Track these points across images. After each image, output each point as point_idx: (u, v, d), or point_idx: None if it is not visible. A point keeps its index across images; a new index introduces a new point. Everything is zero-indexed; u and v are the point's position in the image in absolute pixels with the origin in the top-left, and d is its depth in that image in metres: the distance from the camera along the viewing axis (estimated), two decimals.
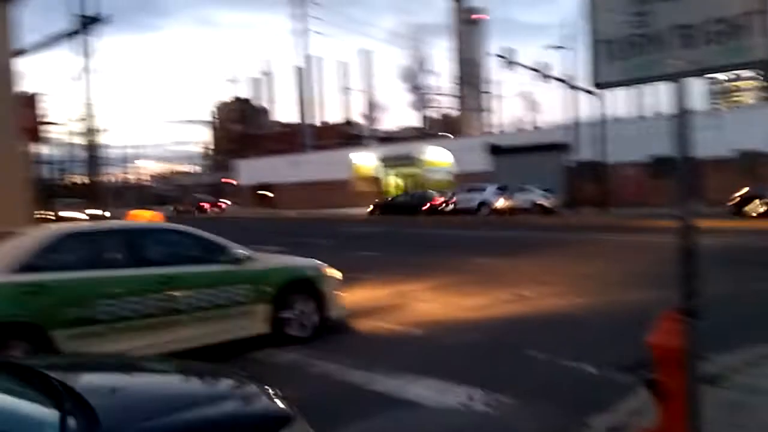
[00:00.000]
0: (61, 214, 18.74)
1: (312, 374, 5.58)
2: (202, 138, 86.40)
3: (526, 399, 4.73)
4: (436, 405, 4.69)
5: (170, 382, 2.84)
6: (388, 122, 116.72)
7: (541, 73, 33.19)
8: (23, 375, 2.48)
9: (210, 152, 78.77)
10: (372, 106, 77.23)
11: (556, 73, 34.37)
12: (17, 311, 5.10)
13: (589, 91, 27.62)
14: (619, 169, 30.37)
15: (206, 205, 49.61)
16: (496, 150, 37.59)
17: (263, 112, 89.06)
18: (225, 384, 2.88)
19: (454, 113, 75.54)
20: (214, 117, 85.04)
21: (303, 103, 67.67)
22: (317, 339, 6.69)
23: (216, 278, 6.20)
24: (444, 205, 31.37)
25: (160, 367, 3.21)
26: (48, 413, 2.06)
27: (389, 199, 36.89)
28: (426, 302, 8.73)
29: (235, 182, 57.35)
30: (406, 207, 32.50)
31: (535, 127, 54.73)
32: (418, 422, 4.52)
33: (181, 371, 3.09)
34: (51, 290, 5.24)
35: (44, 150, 17.40)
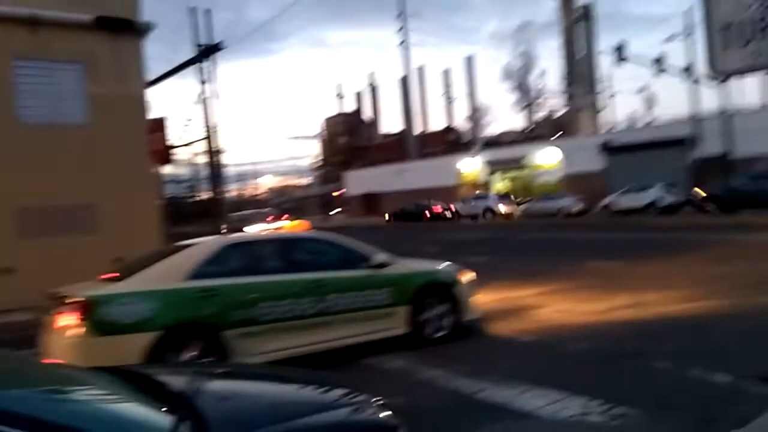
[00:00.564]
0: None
1: (421, 381, 5.55)
2: (312, 152, 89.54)
3: (649, 411, 4.41)
4: (550, 416, 4.50)
5: (279, 391, 2.92)
6: (493, 126, 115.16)
7: (658, 65, 31.21)
8: (140, 381, 2.66)
9: (320, 165, 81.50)
10: (476, 111, 76.50)
11: (674, 65, 32.24)
12: (193, 313, 5.62)
13: (714, 81, 25.57)
14: (749, 164, 27.85)
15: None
16: (610, 148, 35.84)
17: (369, 123, 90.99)
18: (333, 393, 2.93)
19: (563, 113, 72.96)
20: (323, 131, 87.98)
21: (407, 113, 68.30)
22: (450, 341, 6.80)
23: (360, 282, 6.53)
24: (444, 212, 36.36)
25: (270, 376, 3.33)
26: (162, 419, 2.21)
27: (400, 209, 40.12)
28: (540, 308, 8.46)
29: (343, 192, 59.00)
30: (413, 215, 37.50)
31: (652, 123, 51.56)
32: None
33: (290, 380, 3.19)
34: (219, 294, 5.73)
35: (174, 170, 18.94)
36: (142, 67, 12.84)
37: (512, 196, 36.59)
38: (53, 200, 11.12)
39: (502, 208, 34.44)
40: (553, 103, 70.48)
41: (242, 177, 77.53)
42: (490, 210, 35.02)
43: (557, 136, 54.76)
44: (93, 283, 5.98)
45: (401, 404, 4.85)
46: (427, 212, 37.31)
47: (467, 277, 7.47)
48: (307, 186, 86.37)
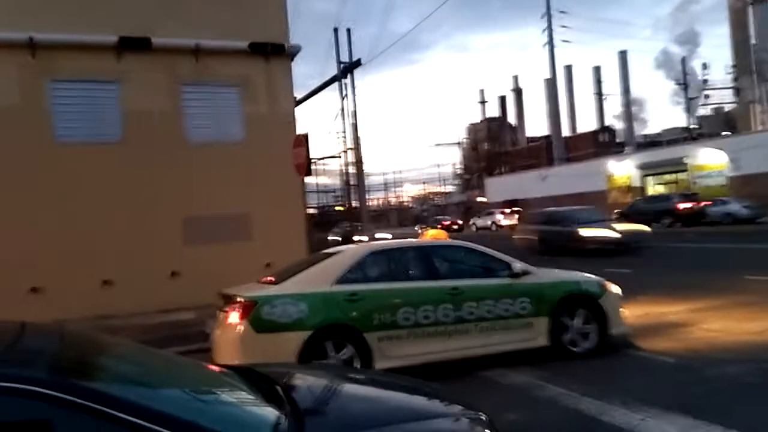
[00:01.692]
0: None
1: (543, 398, 5.44)
2: (454, 159, 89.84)
3: None
4: None
5: (381, 397, 3.10)
6: (650, 126, 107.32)
7: None
8: (254, 379, 2.98)
9: (461, 172, 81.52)
10: (630, 109, 71.97)
11: None
12: (341, 315, 6.06)
13: None
14: None
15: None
16: None
17: (512, 128, 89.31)
18: (435, 404, 3.06)
19: (732, 108, 66.10)
20: (465, 138, 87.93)
21: (554, 115, 66.10)
22: (589, 358, 6.57)
23: (498, 291, 6.56)
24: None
25: (381, 383, 3.51)
26: (268, 414, 2.48)
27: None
28: (690, 326, 7.87)
29: (485, 199, 58.46)
30: None
31: None
32: None
33: (398, 387, 3.36)
34: (363, 299, 6.13)
35: (323, 181, 20.24)
36: (291, 87, 13.84)
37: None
38: (213, 210, 12.36)
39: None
40: (720, 97, 64.06)
41: (386, 185, 79.76)
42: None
43: (724, 133, 49.76)
44: (255, 284, 6.64)
45: (512, 420, 4.86)
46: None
47: (613, 288, 7.13)
48: (449, 193, 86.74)
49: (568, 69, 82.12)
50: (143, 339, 9.13)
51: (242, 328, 5.83)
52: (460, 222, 47.59)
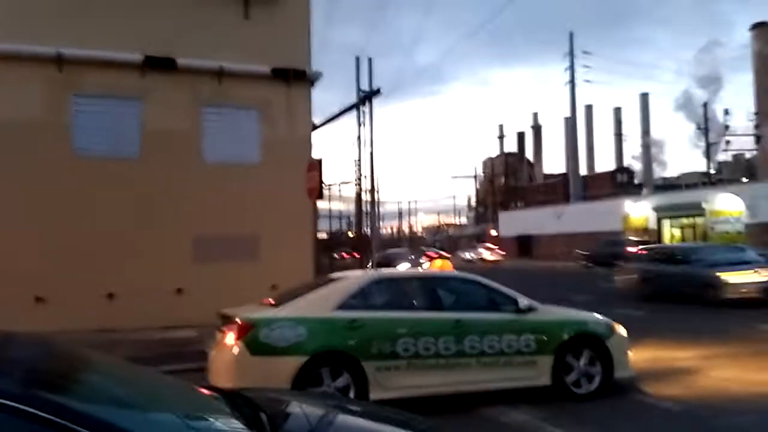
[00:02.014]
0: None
1: None
2: (470, 192, 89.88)
3: None
4: None
5: (367, 429, 3.03)
6: (669, 168, 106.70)
7: None
8: (239, 404, 2.92)
9: (475, 205, 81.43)
10: (649, 151, 71.74)
11: None
12: (339, 342, 5.96)
13: None
14: None
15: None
16: None
17: (530, 164, 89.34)
18: None
19: (752, 155, 65.61)
20: (482, 171, 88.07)
21: (572, 153, 66.08)
22: (593, 400, 6.40)
23: (501, 326, 6.43)
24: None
25: (367, 414, 3.43)
26: None
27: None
28: (699, 373, 7.65)
29: (495, 233, 58.24)
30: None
31: None
32: None
33: (384, 420, 3.29)
34: (363, 326, 6.04)
35: (336, 206, 20.19)
36: (310, 112, 14.02)
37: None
38: (224, 230, 12.43)
39: None
40: (741, 143, 63.57)
41: (400, 214, 79.87)
42: None
43: (743, 180, 49.31)
44: (255, 306, 6.58)
45: None
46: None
47: (620, 330, 6.99)
48: (463, 225, 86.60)
49: (589, 108, 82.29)
50: (142, 355, 9.11)
51: (238, 349, 5.77)
52: (447, 254, 48.08)
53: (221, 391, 3.33)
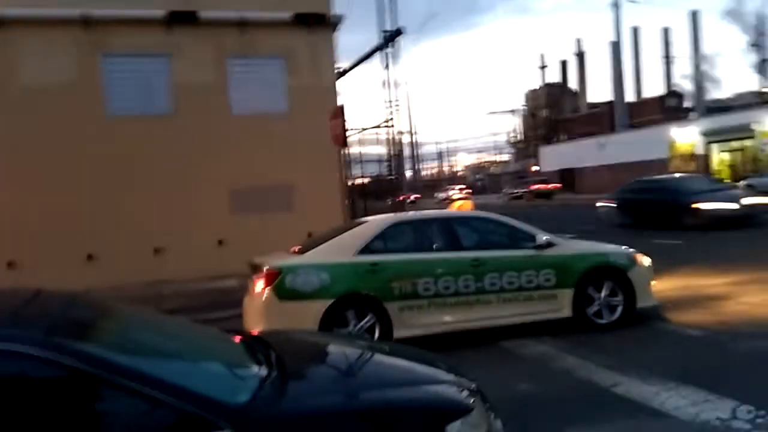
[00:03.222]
0: None
1: (558, 369, 5.48)
2: (512, 127, 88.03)
3: None
4: (688, 418, 4.18)
5: (373, 364, 3.24)
6: (724, 86, 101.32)
7: None
8: (253, 345, 3.18)
9: (517, 140, 79.81)
10: (700, 73, 68.19)
11: None
12: (362, 285, 6.23)
13: None
14: None
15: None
16: None
17: (573, 94, 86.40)
18: (420, 371, 3.17)
19: None
20: (524, 104, 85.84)
21: (617, 80, 63.43)
22: (614, 330, 6.52)
23: (520, 262, 6.56)
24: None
25: (376, 349, 3.64)
26: (257, 372, 2.69)
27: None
28: (728, 299, 7.61)
29: (538, 168, 57.27)
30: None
31: None
32: None
33: (394, 354, 3.49)
34: (384, 269, 6.28)
35: (377, 150, 20.02)
36: (333, 57, 13.93)
37: None
38: (257, 182, 12.72)
39: None
40: None
41: (440, 155, 79.20)
42: None
43: None
44: (282, 254, 6.88)
45: (522, 390, 4.93)
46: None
47: (643, 261, 7.02)
48: (505, 162, 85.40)
49: (635, 31, 78.36)
50: (188, 305, 9.67)
51: (266, 295, 6.08)
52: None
53: (241, 333, 3.61)
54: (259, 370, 2.79)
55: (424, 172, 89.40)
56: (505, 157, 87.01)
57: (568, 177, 50.69)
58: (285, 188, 12.96)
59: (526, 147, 77.76)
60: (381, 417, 2.60)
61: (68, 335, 2.45)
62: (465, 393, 2.93)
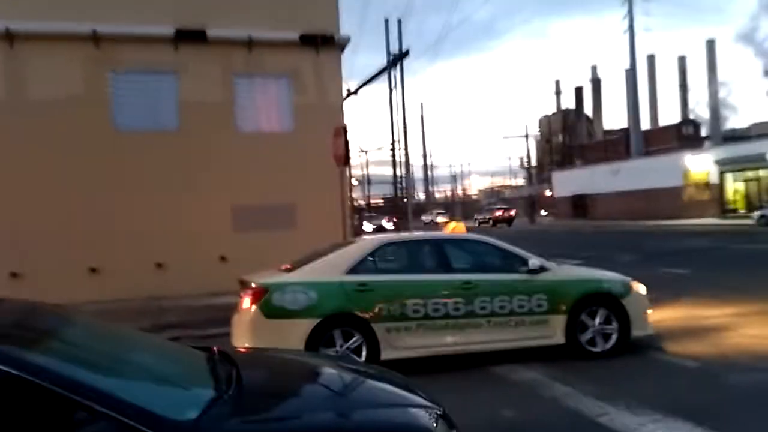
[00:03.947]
0: None
1: (545, 397, 5.31)
2: (525, 151, 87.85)
3: None
4: None
5: (338, 384, 3.15)
6: (740, 116, 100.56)
7: None
8: (217, 362, 3.10)
9: (530, 165, 79.61)
10: (717, 100, 67.85)
11: None
12: (349, 305, 6.13)
13: None
14: None
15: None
16: None
17: (589, 120, 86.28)
18: (384, 395, 3.07)
19: None
20: (538, 129, 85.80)
21: (633, 107, 63.27)
22: (607, 358, 6.37)
23: (512, 287, 6.44)
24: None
25: (335, 371, 3.54)
26: (210, 390, 2.62)
27: None
28: (728, 331, 7.43)
29: (550, 194, 56.99)
30: None
31: None
32: None
33: (352, 376, 3.40)
34: (373, 289, 6.18)
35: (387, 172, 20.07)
36: (340, 77, 14.04)
37: None
38: (261, 199, 12.75)
39: None
40: None
41: (453, 177, 79.17)
42: None
43: None
44: (271, 271, 6.80)
45: (506, 417, 4.80)
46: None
47: (639, 288, 6.87)
48: (519, 187, 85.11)
49: (651, 59, 78.39)
50: (187, 320, 9.61)
51: (253, 312, 6.01)
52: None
53: (208, 349, 3.55)
54: (214, 388, 2.72)
55: (438, 195, 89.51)
56: (520, 181, 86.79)
57: (580, 203, 50.36)
58: (288, 206, 12.97)
59: (540, 172, 77.53)
60: None
61: (12, 343, 2.41)
62: (427, 416, 2.84)
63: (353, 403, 2.91)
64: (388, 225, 38.03)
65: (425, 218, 63.24)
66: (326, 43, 13.38)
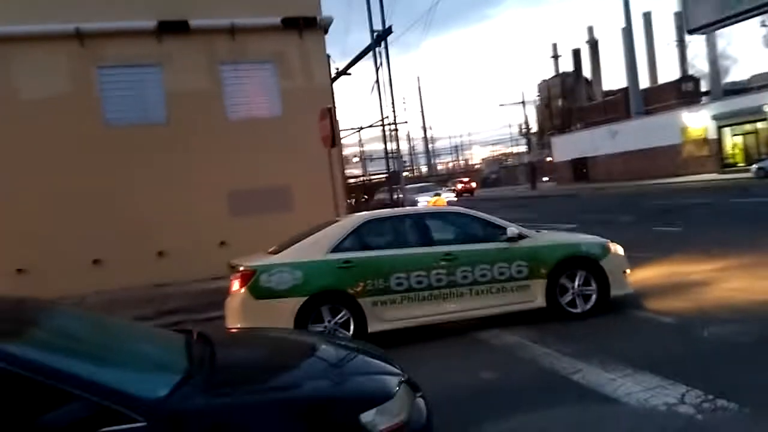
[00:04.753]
0: None
1: (523, 358, 5.55)
2: (524, 118, 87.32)
3: (753, 408, 3.95)
4: (636, 404, 4.25)
5: (295, 360, 3.38)
6: (740, 70, 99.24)
7: None
8: (193, 343, 3.34)
9: (528, 131, 79.15)
10: (714, 53, 66.91)
11: None
12: (335, 282, 6.37)
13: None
14: None
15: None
16: None
17: (588, 82, 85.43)
18: (340, 364, 3.29)
19: None
20: (537, 95, 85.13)
21: (631, 66, 62.59)
22: (587, 318, 6.62)
23: (493, 255, 6.67)
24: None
25: (308, 345, 3.77)
26: (182, 369, 2.87)
27: None
28: (709, 285, 7.61)
29: (550, 159, 56.89)
30: None
31: None
32: (599, 419, 4.19)
33: (322, 348, 3.62)
34: (357, 266, 6.42)
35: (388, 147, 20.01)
36: (325, 59, 14.09)
37: None
38: (255, 184, 12.95)
39: None
40: None
41: (456, 149, 78.92)
42: None
43: None
44: (259, 254, 7.05)
45: (484, 379, 5.05)
46: None
47: (617, 250, 7.09)
48: (521, 154, 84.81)
49: (647, 16, 77.30)
50: (190, 305, 9.92)
51: (242, 294, 6.27)
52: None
53: (186, 331, 3.79)
54: (186, 368, 2.95)
55: (440, 167, 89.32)
56: (522, 149, 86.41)
57: (580, 166, 50.27)
58: (283, 189, 13.17)
59: (541, 137, 77.17)
60: (296, 410, 2.73)
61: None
62: (388, 382, 3.06)
63: (320, 374, 3.14)
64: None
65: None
66: (309, 25, 13.42)
